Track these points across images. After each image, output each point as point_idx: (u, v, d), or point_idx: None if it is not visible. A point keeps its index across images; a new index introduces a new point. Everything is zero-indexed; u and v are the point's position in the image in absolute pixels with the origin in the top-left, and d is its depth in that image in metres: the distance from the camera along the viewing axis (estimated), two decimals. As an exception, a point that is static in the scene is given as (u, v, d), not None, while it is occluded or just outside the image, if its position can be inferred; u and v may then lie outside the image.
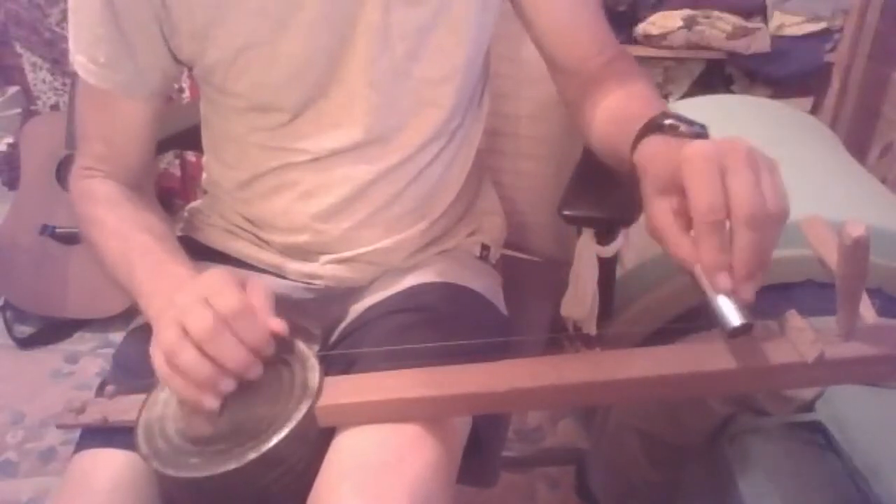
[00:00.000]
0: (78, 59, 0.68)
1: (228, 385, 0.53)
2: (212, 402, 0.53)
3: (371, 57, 0.68)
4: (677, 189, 0.48)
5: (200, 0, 0.64)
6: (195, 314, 0.52)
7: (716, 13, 1.71)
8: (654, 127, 0.57)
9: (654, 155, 0.55)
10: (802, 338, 0.52)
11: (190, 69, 0.72)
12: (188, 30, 0.66)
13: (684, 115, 0.57)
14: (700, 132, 0.56)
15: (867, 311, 0.51)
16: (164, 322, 0.54)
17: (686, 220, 0.49)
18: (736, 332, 0.47)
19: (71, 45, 0.68)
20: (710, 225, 0.46)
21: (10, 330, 1.78)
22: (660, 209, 0.51)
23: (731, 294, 0.46)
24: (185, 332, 0.52)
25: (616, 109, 0.68)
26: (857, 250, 0.45)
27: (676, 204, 0.50)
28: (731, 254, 0.46)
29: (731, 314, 0.46)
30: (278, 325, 0.54)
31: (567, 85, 0.77)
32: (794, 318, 0.54)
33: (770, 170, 0.47)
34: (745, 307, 0.46)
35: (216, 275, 0.56)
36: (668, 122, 0.56)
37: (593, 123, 0.70)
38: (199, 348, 0.52)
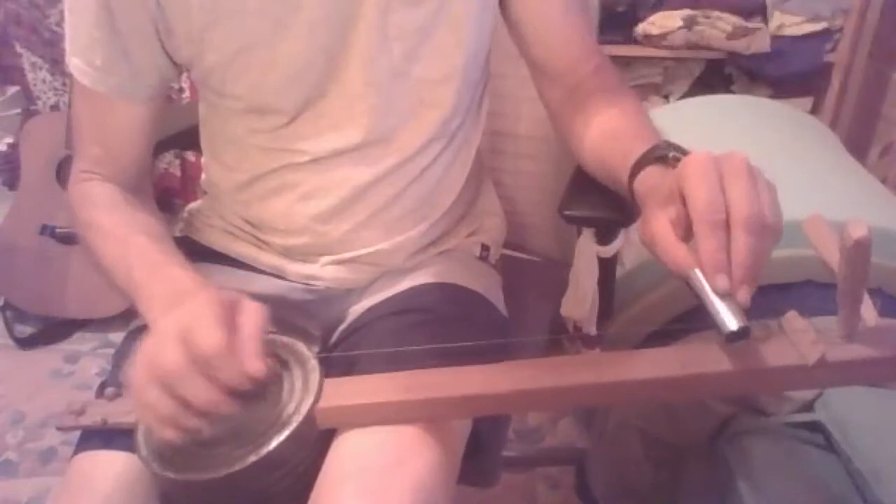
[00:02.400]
0: (74, 62, 0.68)
1: (194, 423, 0.52)
2: (174, 437, 0.52)
3: (369, 57, 0.68)
4: (675, 199, 0.50)
5: (197, 2, 0.64)
6: (167, 351, 0.50)
7: (716, 13, 1.71)
8: (655, 158, 0.58)
9: (655, 187, 0.56)
10: (803, 339, 0.52)
11: (188, 71, 0.72)
12: (184, 32, 0.66)
13: (682, 146, 0.58)
14: None
15: (868, 312, 0.51)
16: (140, 350, 0.52)
17: (682, 230, 0.50)
18: (735, 337, 0.47)
19: (67, 47, 0.68)
20: (710, 224, 0.47)
21: (10, 330, 1.78)
22: (656, 218, 0.53)
23: (728, 298, 0.47)
24: (153, 368, 0.50)
25: (609, 130, 0.68)
26: (858, 251, 0.45)
27: (674, 213, 0.51)
28: (729, 257, 0.46)
29: (730, 318, 0.47)
30: (254, 367, 0.50)
31: (550, 89, 0.78)
32: (795, 320, 0.54)
33: (767, 185, 0.48)
34: (742, 312, 0.47)
35: (203, 303, 0.53)
36: (671, 154, 0.57)
37: (585, 141, 0.71)
38: (165, 388, 0.50)
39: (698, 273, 0.49)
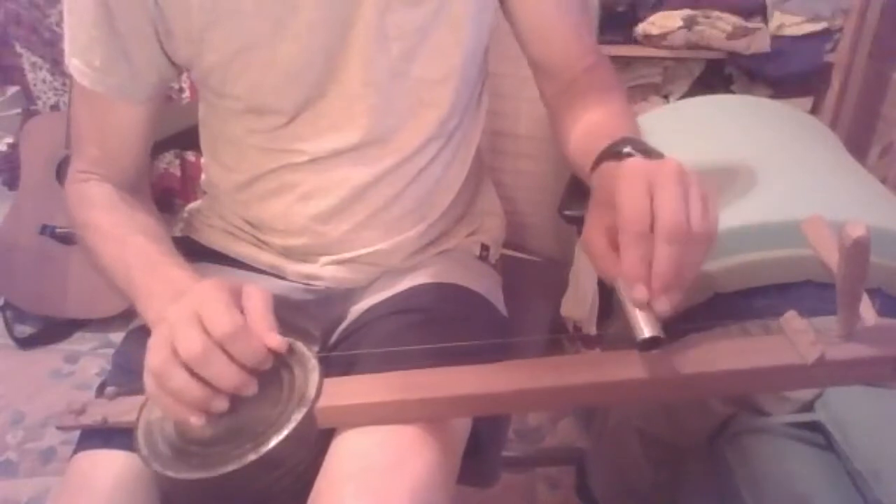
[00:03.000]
0: (73, 63, 0.68)
1: (221, 404, 0.52)
2: (201, 421, 0.52)
3: (368, 57, 0.68)
4: (612, 205, 0.50)
5: (196, 2, 0.64)
6: (185, 336, 0.50)
7: (716, 13, 1.71)
8: (612, 153, 0.59)
9: (602, 182, 0.57)
10: (803, 339, 0.52)
11: (187, 71, 0.72)
12: (184, 32, 0.66)
13: (646, 144, 0.59)
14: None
15: (867, 311, 0.51)
16: (154, 340, 0.52)
17: (616, 236, 0.50)
18: (645, 345, 0.48)
19: (66, 48, 0.68)
20: (633, 235, 0.47)
21: (10, 330, 1.78)
22: (592, 224, 0.53)
23: (646, 307, 0.48)
24: (176, 354, 0.50)
25: (587, 128, 0.69)
26: (857, 251, 0.45)
27: (609, 220, 0.51)
28: (651, 263, 0.47)
29: (643, 326, 0.47)
30: (275, 341, 0.52)
31: (548, 85, 0.78)
32: (794, 320, 0.54)
33: (700, 192, 0.48)
34: (658, 321, 0.48)
35: (209, 289, 0.53)
36: (625, 149, 0.58)
37: (570, 139, 0.71)
38: (190, 371, 0.50)
39: (621, 281, 0.49)
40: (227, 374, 0.51)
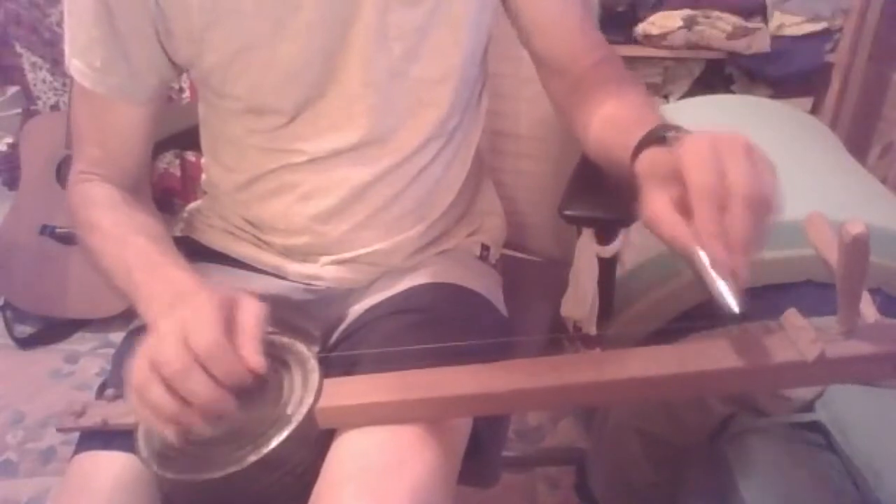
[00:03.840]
0: (74, 64, 0.68)
1: (196, 421, 0.52)
2: (176, 436, 0.52)
3: (368, 57, 0.68)
4: (676, 180, 0.49)
5: (197, 2, 0.64)
6: (166, 351, 0.50)
7: (716, 13, 1.71)
8: (655, 139, 0.58)
9: (655, 163, 0.56)
10: (803, 336, 0.52)
11: (187, 72, 0.72)
12: (184, 32, 0.66)
13: (683, 127, 0.58)
14: None
15: (868, 309, 0.51)
16: (140, 351, 0.52)
17: (683, 210, 0.50)
18: (734, 318, 0.47)
19: (66, 49, 0.68)
20: (709, 203, 0.47)
21: (10, 330, 1.78)
22: (657, 198, 0.52)
23: (728, 277, 0.47)
24: (155, 368, 0.50)
25: (612, 117, 0.68)
26: (856, 248, 0.45)
27: (675, 194, 0.51)
28: (728, 231, 0.46)
29: (734, 298, 0.47)
30: (256, 363, 0.51)
31: (553, 82, 0.77)
32: (794, 318, 0.54)
33: (766, 163, 0.48)
34: (740, 295, 0.47)
35: (201, 301, 0.53)
36: (670, 134, 0.57)
37: (590, 130, 0.71)
38: (167, 386, 0.50)
39: (700, 252, 0.48)
40: (202, 392, 0.50)
